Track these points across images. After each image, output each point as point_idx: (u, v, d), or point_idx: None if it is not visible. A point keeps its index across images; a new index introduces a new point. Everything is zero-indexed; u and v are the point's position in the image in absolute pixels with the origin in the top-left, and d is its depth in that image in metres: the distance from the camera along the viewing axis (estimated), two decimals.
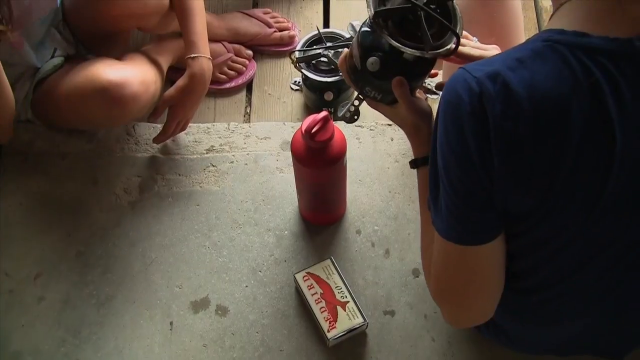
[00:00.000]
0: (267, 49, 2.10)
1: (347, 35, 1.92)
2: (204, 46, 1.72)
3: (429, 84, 1.35)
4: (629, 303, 1.14)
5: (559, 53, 0.94)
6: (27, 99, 1.76)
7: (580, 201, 0.97)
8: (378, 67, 1.19)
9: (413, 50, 1.13)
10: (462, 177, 0.99)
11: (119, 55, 1.77)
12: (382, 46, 1.19)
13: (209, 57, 1.71)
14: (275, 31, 2.09)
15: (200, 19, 1.73)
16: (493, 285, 1.13)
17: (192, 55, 1.69)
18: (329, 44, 1.90)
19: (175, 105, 1.73)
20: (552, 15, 1.03)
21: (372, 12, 1.14)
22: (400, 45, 1.13)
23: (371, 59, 1.19)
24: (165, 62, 1.84)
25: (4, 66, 1.58)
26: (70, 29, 1.79)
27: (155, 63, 1.80)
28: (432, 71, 1.26)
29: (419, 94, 1.29)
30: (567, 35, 0.95)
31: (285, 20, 2.14)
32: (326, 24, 2.19)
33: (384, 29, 1.14)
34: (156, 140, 1.80)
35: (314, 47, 1.91)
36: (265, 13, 2.12)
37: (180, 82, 1.70)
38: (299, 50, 1.90)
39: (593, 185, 0.96)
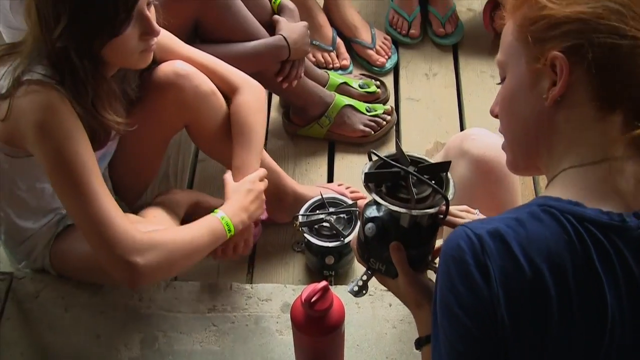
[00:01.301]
0: None
1: (350, 202, 2.00)
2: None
3: (434, 265, 1.38)
4: None
5: (554, 216, 1.00)
6: (48, 246, 1.84)
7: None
8: (375, 233, 1.26)
9: (398, 208, 1.18)
10: (472, 329, 1.00)
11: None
12: (380, 214, 1.27)
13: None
14: None
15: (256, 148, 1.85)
16: None
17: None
18: (331, 210, 1.97)
19: None
20: (547, 185, 1.10)
21: (363, 174, 1.21)
22: (385, 202, 1.19)
23: (369, 225, 1.27)
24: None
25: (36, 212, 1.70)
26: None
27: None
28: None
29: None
30: (562, 202, 1.01)
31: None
32: None
33: (377, 193, 1.21)
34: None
35: (317, 211, 1.98)
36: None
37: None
38: (302, 215, 1.97)
39: (588, 344, 0.98)
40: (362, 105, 2.39)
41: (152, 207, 1.94)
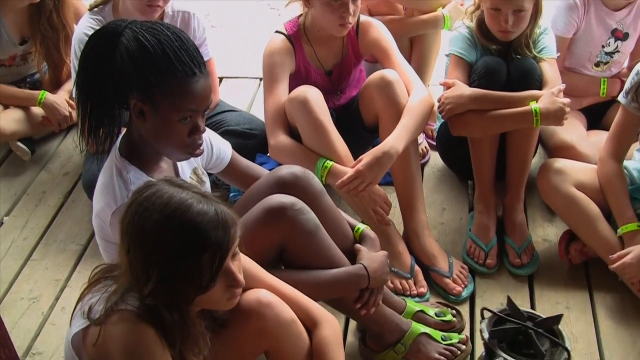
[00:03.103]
0: None
1: None
2: None
3: None
4: None
5: None
6: None
7: None
8: None
9: None
10: None
11: None
12: None
13: None
14: None
15: None
16: None
17: None
18: None
19: None
20: None
21: (487, 333, 1.26)
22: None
23: None
24: None
25: None
26: None
27: None
28: None
29: None
30: None
31: None
32: None
33: (504, 351, 1.25)
34: None
35: None
36: None
37: None
38: None
39: None
40: (437, 334, 2.43)
41: None
